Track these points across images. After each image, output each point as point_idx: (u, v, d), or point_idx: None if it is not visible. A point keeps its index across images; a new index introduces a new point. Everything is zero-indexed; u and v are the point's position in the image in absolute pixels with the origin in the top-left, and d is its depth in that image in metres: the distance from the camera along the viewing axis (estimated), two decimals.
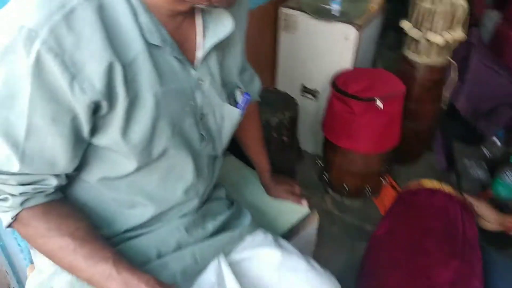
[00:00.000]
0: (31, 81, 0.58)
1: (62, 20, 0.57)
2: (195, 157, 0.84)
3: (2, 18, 0.58)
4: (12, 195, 0.70)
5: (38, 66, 0.57)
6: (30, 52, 0.56)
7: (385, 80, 1.77)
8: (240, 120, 0.91)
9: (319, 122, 1.90)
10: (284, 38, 2.01)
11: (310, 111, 2.08)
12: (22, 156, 0.65)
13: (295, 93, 1.96)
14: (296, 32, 1.95)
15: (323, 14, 1.81)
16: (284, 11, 1.93)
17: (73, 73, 0.59)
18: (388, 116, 1.68)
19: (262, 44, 2.03)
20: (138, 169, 0.76)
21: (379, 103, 1.61)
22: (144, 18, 0.64)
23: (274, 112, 1.54)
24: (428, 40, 1.84)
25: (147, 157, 0.75)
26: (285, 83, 2.12)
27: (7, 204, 0.70)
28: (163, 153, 0.77)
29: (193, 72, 0.76)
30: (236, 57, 0.89)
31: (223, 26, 0.76)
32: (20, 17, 0.56)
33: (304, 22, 1.90)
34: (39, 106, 0.61)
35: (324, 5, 1.77)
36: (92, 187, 0.80)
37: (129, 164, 0.75)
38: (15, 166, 0.66)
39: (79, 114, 0.64)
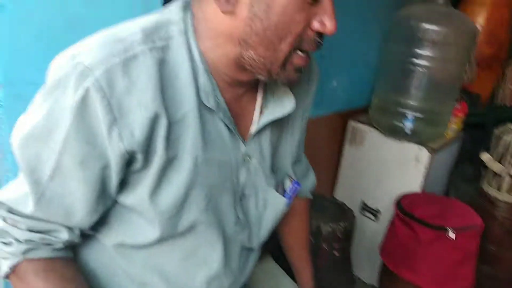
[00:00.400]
0: (72, 117, 0.55)
1: (120, 63, 0.55)
2: (226, 242, 0.74)
3: (66, 53, 0.58)
4: (17, 240, 0.63)
5: (83, 103, 0.54)
6: (79, 88, 0.54)
7: (459, 211, 1.58)
8: (284, 211, 0.81)
9: (378, 247, 1.69)
10: (348, 151, 1.95)
11: (368, 233, 1.89)
12: (40, 197, 0.60)
13: (354, 211, 1.81)
14: (362, 147, 1.88)
15: (394, 131, 1.74)
16: (353, 124, 1.90)
17: (116, 117, 0.55)
18: (461, 252, 1.45)
19: (326, 152, 1.98)
20: (159, 241, 0.68)
21: (451, 234, 1.41)
22: (203, 78, 0.62)
23: (327, 220, 1.39)
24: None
25: (173, 228, 0.67)
26: (345, 197, 1.98)
27: (9, 249, 0.63)
28: (190, 228, 0.69)
29: (242, 146, 0.70)
30: (292, 144, 0.83)
31: (282, 105, 0.71)
32: (80, 54, 0.56)
33: (373, 137, 1.84)
34: (72, 146, 0.57)
35: (396, 122, 1.71)
36: (107, 252, 0.72)
37: (152, 232, 0.67)
38: (29, 207, 0.61)
39: (110, 163, 0.59)
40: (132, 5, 0.84)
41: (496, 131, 1.76)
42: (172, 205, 0.64)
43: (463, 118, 1.86)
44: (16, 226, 0.63)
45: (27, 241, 0.63)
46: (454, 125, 1.82)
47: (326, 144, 1.96)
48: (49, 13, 0.74)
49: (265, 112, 0.71)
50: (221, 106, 0.64)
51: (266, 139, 0.74)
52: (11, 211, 0.63)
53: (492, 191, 1.76)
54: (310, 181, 1.00)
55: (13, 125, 0.75)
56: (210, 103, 0.63)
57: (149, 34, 0.58)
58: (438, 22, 1.56)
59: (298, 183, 0.82)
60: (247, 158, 0.72)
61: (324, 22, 0.59)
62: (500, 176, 1.72)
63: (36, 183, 0.59)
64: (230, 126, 0.67)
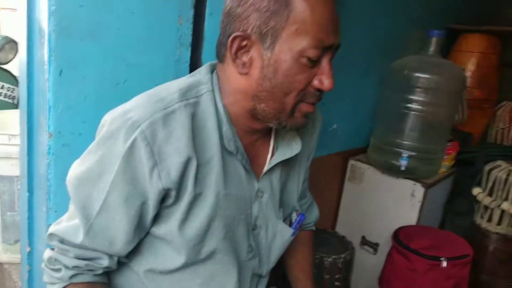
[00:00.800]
0: (120, 162, 0.68)
1: (161, 118, 0.69)
2: (240, 268, 0.85)
3: (118, 110, 0.72)
4: (66, 267, 0.75)
5: (131, 150, 0.67)
6: (128, 138, 0.67)
7: (452, 243, 1.68)
8: (290, 240, 0.92)
9: (376, 279, 1.78)
10: (348, 188, 2.07)
11: (368, 266, 1.98)
12: (89, 229, 0.72)
13: (354, 244, 1.91)
14: (361, 184, 2.00)
15: (391, 169, 1.87)
16: (353, 162, 2.03)
17: (156, 161, 0.68)
18: (454, 280, 1.55)
19: (329, 189, 2.09)
20: (184, 267, 0.79)
21: (444, 264, 1.51)
22: (225, 127, 0.75)
23: (329, 252, 1.51)
24: (502, 210, 1.78)
25: (196, 255, 0.78)
26: (345, 232, 2.07)
27: (58, 275, 0.76)
28: (211, 255, 0.79)
29: (255, 183, 0.83)
30: (299, 182, 0.95)
31: (290, 147, 0.84)
32: (130, 111, 0.70)
33: (371, 174, 1.96)
34: (119, 186, 0.69)
35: (392, 161, 1.85)
36: (137, 277, 0.83)
37: (178, 259, 0.78)
38: (79, 238, 0.73)
39: (149, 200, 0.71)
40: (165, 69, 1.00)
41: (486, 167, 1.89)
42: (197, 235, 0.75)
43: (455, 156, 1.99)
44: (65, 255, 0.75)
45: (74, 267, 0.75)
46: (446, 162, 1.95)
47: (328, 182, 2.07)
48: (98, 78, 0.90)
49: (276, 154, 0.84)
50: (239, 150, 0.77)
51: (276, 177, 0.86)
52: (62, 241, 0.75)
53: (483, 223, 1.87)
54: (314, 214, 1.12)
55: (60, 170, 0.90)
56: (231, 147, 0.76)
57: (184, 93, 0.73)
58: (429, 71, 1.72)
59: (303, 215, 0.93)
60: (260, 193, 0.84)
61: (323, 81, 0.71)
62: (490, 209, 1.82)
63: (86, 218, 0.72)
64: (247, 167, 0.79)
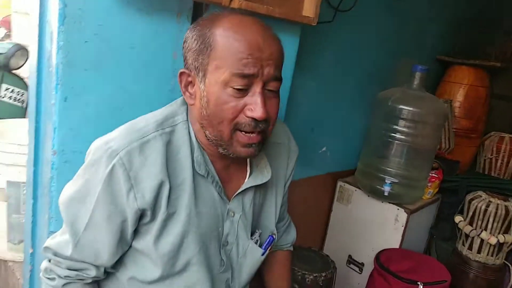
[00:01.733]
0: (102, 185, 0.78)
1: (138, 146, 0.79)
2: (214, 280, 0.92)
3: (101, 140, 0.82)
4: (59, 276, 0.86)
5: (110, 175, 0.77)
6: (108, 165, 0.77)
7: (431, 267, 1.75)
8: (261, 260, 0.99)
9: None
10: (337, 208, 2.15)
11: (354, 284, 2.05)
12: (77, 244, 0.83)
13: (341, 262, 1.99)
14: (349, 205, 2.09)
15: (375, 193, 1.96)
16: (341, 184, 2.12)
17: (132, 185, 0.78)
18: None
19: (318, 209, 2.17)
20: (161, 278, 0.87)
21: None
22: (196, 153, 0.84)
23: (311, 270, 1.59)
24: (481, 239, 1.84)
25: (171, 268, 0.86)
26: (333, 250, 2.15)
27: (53, 283, 0.86)
28: (185, 267, 0.88)
29: (227, 203, 0.91)
30: (276, 207, 1.03)
31: (262, 174, 0.93)
32: (110, 141, 0.79)
33: (358, 197, 2.05)
34: (102, 206, 0.80)
35: (377, 186, 1.93)
36: (122, 285, 0.92)
37: (155, 270, 0.86)
38: (69, 251, 0.83)
39: (128, 218, 0.81)
40: (160, 97, 1.11)
41: (468, 197, 1.96)
42: (170, 249, 0.84)
43: (439, 183, 2.07)
44: (58, 266, 0.86)
45: (66, 276, 0.86)
46: (430, 189, 2.03)
47: (318, 201, 2.16)
48: (99, 104, 1.01)
49: (249, 179, 0.93)
50: (210, 173, 0.86)
51: (248, 199, 0.94)
52: (55, 254, 0.85)
53: (464, 251, 1.93)
54: (291, 236, 1.20)
55: (61, 183, 1.00)
56: (201, 171, 0.84)
57: (160, 123, 0.83)
58: (412, 104, 1.82)
59: (272, 237, 1.01)
60: (231, 213, 0.92)
61: (253, 109, 0.76)
62: (471, 237, 1.89)
63: (74, 233, 0.82)
64: (217, 188, 0.88)
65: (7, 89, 2.44)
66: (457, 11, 2.58)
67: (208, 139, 0.82)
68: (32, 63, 1.09)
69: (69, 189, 0.84)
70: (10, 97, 2.39)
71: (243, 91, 0.76)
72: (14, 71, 2.40)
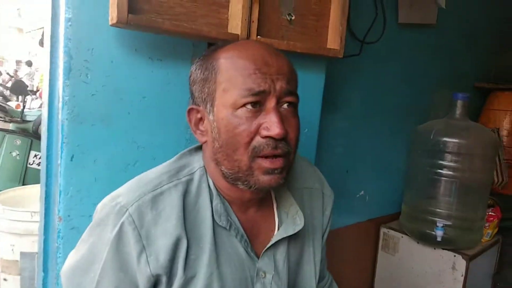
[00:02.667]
0: (109, 249, 0.67)
1: (150, 200, 0.69)
2: None
3: (109, 196, 0.72)
4: None
5: (119, 236, 0.67)
6: (116, 224, 0.67)
7: None
8: None
9: None
10: (383, 258, 1.94)
11: None
12: None
13: None
14: (396, 254, 1.87)
15: (426, 239, 1.74)
16: (385, 231, 1.93)
17: (144, 245, 0.67)
18: None
19: (360, 261, 1.97)
20: None
21: None
22: (216, 201, 0.73)
23: None
24: None
25: None
26: None
27: None
28: None
29: (256, 262, 0.77)
30: (315, 263, 0.88)
31: (293, 223, 0.79)
32: (119, 196, 0.70)
33: (405, 244, 1.84)
34: (109, 274, 0.68)
35: (427, 230, 1.73)
36: None
37: None
38: None
39: (139, 287, 0.68)
40: (176, 148, 1.01)
41: None
42: None
43: (498, 222, 1.84)
44: None
45: None
46: (489, 230, 1.80)
47: (361, 251, 1.96)
48: (108, 161, 0.92)
49: (280, 229, 0.79)
50: (233, 225, 0.74)
51: (281, 256, 0.80)
52: None
53: None
54: None
55: (68, 253, 0.89)
56: (222, 222, 0.73)
57: (175, 174, 0.73)
58: (457, 135, 1.66)
59: None
60: (262, 273, 0.78)
61: (269, 127, 0.67)
62: None
63: None
64: (242, 243, 0.75)
65: (35, 155, 2.47)
66: (492, 36, 2.44)
67: (226, 176, 0.72)
68: (43, 123, 1.02)
69: (72, 257, 0.73)
70: (38, 164, 2.41)
71: (255, 111, 0.68)
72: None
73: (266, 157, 0.68)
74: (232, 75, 0.68)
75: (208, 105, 0.71)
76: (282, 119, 0.68)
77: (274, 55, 0.71)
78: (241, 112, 0.67)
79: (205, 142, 0.74)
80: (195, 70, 0.74)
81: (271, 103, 0.68)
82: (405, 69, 1.92)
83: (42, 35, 1.11)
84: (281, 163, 0.70)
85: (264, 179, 0.69)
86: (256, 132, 0.68)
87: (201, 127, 0.74)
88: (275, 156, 0.69)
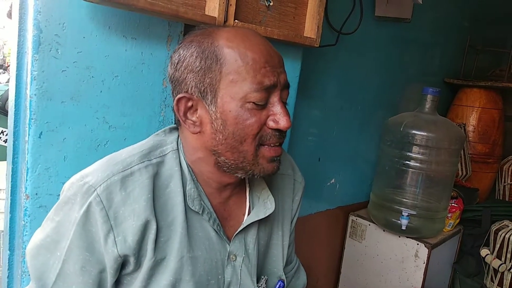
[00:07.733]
0: (76, 228, 0.66)
1: (119, 180, 0.67)
2: None
3: (77, 175, 0.70)
4: None
5: (86, 216, 0.66)
6: (84, 204, 0.66)
7: None
8: None
9: None
10: (350, 245, 1.99)
11: None
12: None
13: None
14: (363, 241, 1.93)
15: (391, 227, 1.80)
16: (353, 218, 1.97)
17: (112, 226, 0.66)
18: None
19: (328, 247, 2.01)
20: None
21: None
22: (189, 186, 0.73)
23: None
24: None
25: None
26: None
27: None
28: None
29: (227, 245, 0.78)
30: (283, 248, 0.90)
31: (264, 207, 0.81)
32: (87, 175, 0.68)
33: (372, 232, 1.90)
34: (75, 253, 0.67)
35: (393, 219, 1.78)
36: None
37: None
38: None
39: (106, 267, 0.68)
40: (149, 130, 1.00)
41: (493, 227, 1.80)
42: None
43: (460, 214, 1.92)
44: None
45: None
46: (451, 221, 1.87)
47: (330, 237, 2.00)
48: (78, 139, 0.90)
49: (252, 213, 0.80)
50: (206, 209, 0.74)
51: (251, 239, 0.81)
52: None
53: (494, 287, 1.75)
54: (300, 280, 1.05)
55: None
56: (195, 207, 0.73)
57: (146, 154, 0.72)
58: (426, 129, 1.70)
59: (282, 282, 0.87)
60: (233, 256, 0.79)
61: (277, 120, 0.69)
62: (500, 272, 1.72)
63: None
64: (215, 227, 0.75)
65: (2, 132, 2.39)
66: (463, 34, 2.51)
67: (222, 166, 0.73)
68: (11, 98, 0.99)
69: (37, 236, 0.71)
70: (5, 141, 2.33)
71: (263, 104, 0.69)
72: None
73: (270, 145, 0.71)
74: (241, 67, 0.67)
75: (208, 96, 0.69)
76: (287, 112, 0.71)
77: (271, 47, 0.72)
78: (250, 105, 0.68)
79: (198, 132, 0.72)
80: (189, 57, 0.70)
81: (275, 96, 0.70)
82: (379, 62, 1.95)
83: (11, 6, 1.06)
84: (281, 150, 0.74)
85: (269, 167, 0.73)
86: (264, 123, 0.70)
87: (192, 118, 0.72)
88: (276, 144, 0.72)
